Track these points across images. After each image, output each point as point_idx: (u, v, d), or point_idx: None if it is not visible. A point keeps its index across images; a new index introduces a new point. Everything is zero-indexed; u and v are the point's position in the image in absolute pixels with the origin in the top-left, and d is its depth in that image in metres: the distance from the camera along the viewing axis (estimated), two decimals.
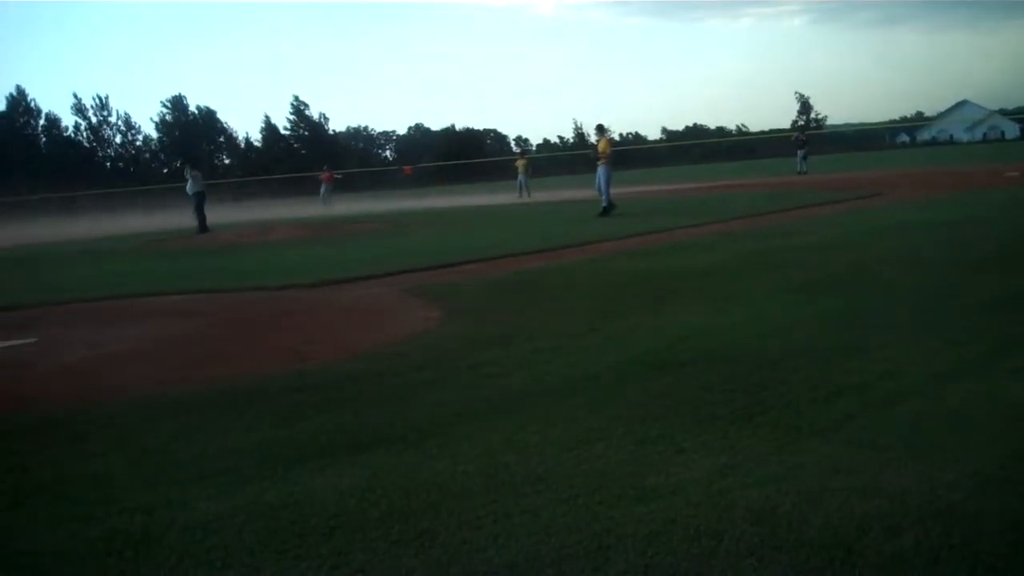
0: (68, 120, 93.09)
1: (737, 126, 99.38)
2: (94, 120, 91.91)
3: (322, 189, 51.33)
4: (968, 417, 5.14)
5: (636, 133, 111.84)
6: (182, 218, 40.09)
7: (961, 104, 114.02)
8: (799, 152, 46.50)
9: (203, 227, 31.51)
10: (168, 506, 4.80)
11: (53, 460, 5.95)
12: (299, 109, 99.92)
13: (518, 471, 4.81)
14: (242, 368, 8.40)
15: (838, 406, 5.51)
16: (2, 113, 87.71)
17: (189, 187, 32.52)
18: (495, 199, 36.42)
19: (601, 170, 25.33)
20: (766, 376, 6.34)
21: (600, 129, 27.22)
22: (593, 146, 26.18)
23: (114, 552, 4.21)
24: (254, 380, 7.84)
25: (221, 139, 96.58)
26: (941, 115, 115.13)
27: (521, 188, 43.31)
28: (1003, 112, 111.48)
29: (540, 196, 41.09)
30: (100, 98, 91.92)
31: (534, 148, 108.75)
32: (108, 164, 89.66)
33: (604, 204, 24.88)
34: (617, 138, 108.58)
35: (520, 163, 45.45)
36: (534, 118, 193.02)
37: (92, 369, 8.99)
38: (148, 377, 8.31)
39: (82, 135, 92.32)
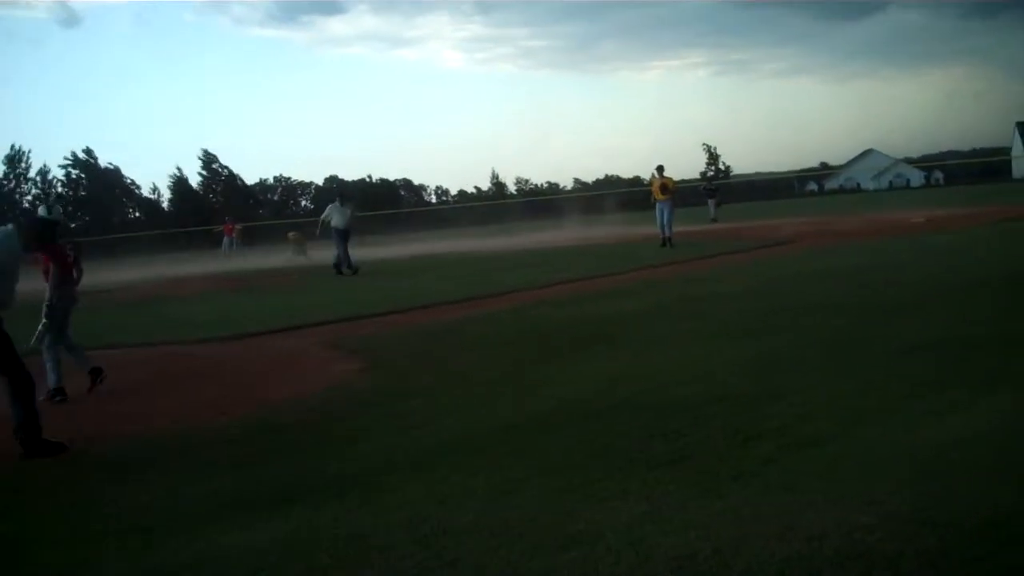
0: None
1: (652, 174, 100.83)
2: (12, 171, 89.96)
3: (224, 242, 50.51)
4: (883, 460, 5.22)
5: (553, 183, 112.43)
6: (107, 272, 39.30)
7: (867, 153, 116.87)
8: (710, 201, 47.74)
9: (348, 263, 26.98)
10: (80, 567, 4.69)
11: None
12: (208, 163, 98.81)
13: (441, 522, 4.78)
14: (158, 424, 8.24)
15: (757, 451, 5.57)
16: None
17: (339, 220, 27.17)
18: (410, 249, 36.35)
19: (666, 206, 27.30)
20: (686, 422, 6.39)
21: (660, 169, 28.56)
22: (658, 185, 28.00)
23: None
24: (171, 436, 7.70)
25: (130, 196, 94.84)
26: (848, 164, 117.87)
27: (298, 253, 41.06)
28: (908, 160, 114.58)
29: (467, 243, 41.01)
30: (18, 150, 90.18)
31: (452, 199, 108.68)
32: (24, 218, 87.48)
33: (668, 235, 27.01)
34: (542, 185, 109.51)
35: (292, 236, 43.23)
36: (450, 169, 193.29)
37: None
38: (60, 435, 8.10)
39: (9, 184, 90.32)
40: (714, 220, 43.14)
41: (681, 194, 33.28)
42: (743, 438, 5.85)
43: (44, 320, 9.73)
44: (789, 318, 10.89)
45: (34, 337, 9.69)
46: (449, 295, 17.34)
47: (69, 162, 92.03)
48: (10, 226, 7.96)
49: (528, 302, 15.45)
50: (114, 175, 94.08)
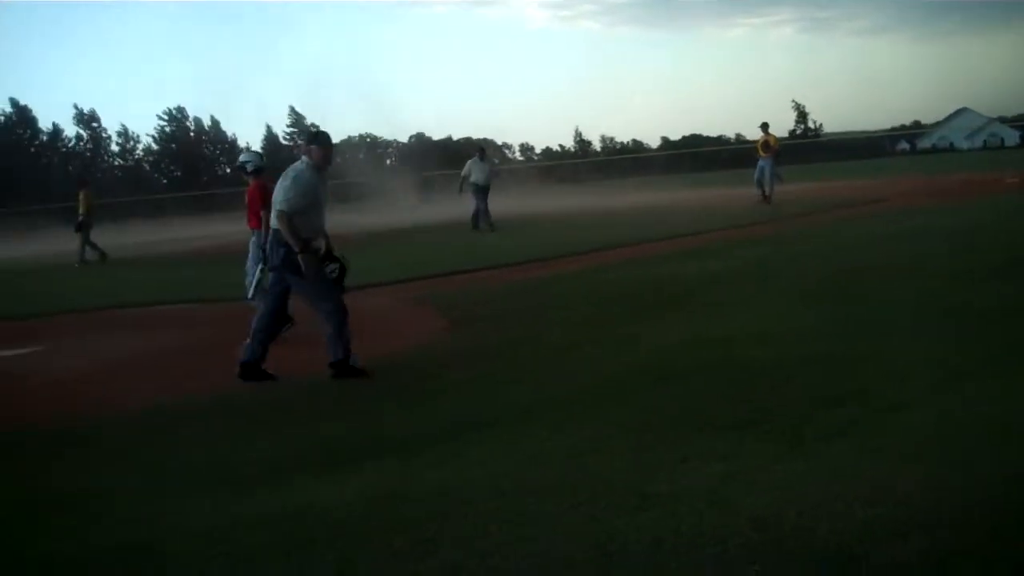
0: (70, 131, 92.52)
1: (736, 134, 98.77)
2: (89, 133, 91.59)
3: None
4: (971, 424, 5.12)
5: (638, 141, 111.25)
6: (194, 227, 40.09)
7: (960, 111, 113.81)
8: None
9: (488, 220, 26.14)
10: (169, 516, 4.81)
11: (57, 471, 5.97)
12: (296, 121, 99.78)
13: (522, 479, 4.81)
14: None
15: (841, 413, 5.50)
16: (3, 125, 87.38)
17: (479, 176, 26.34)
18: (497, 208, 36.36)
19: (767, 163, 27.73)
20: (769, 383, 6.34)
21: (765, 126, 28.77)
22: (759, 141, 28.59)
23: (119, 560, 4.22)
24: (257, 390, 7.85)
25: (219, 150, 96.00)
26: (941, 123, 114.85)
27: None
28: (1002, 119, 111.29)
29: (553, 202, 40.77)
30: (88, 112, 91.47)
31: (537, 157, 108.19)
32: (109, 174, 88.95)
33: (768, 193, 27.54)
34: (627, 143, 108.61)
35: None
36: (535, 127, 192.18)
37: (94, 379, 9.02)
38: (151, 386, 8.33)
39: (82, 146, 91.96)
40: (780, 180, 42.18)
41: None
42: (827, 400, 5.78)
43: (263, 267, 9.98)
44: (874, 279, 10.70)
45: (252, 287, 9.94)
46: (533, 253, 17.35)
47: (164, 119, 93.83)
48: (301, 160, 8.19)
49: (613, 261, 15.40)
50: (213, 129, 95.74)
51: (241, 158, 11.19)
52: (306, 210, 7.92)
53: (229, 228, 34.78)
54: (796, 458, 4.76)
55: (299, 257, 7.80)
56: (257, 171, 10.63)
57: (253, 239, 10.30)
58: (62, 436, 6.87)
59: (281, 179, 8.04)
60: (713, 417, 5.67)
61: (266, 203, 10.10)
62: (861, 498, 4.04)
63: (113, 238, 29.86)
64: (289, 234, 7.78)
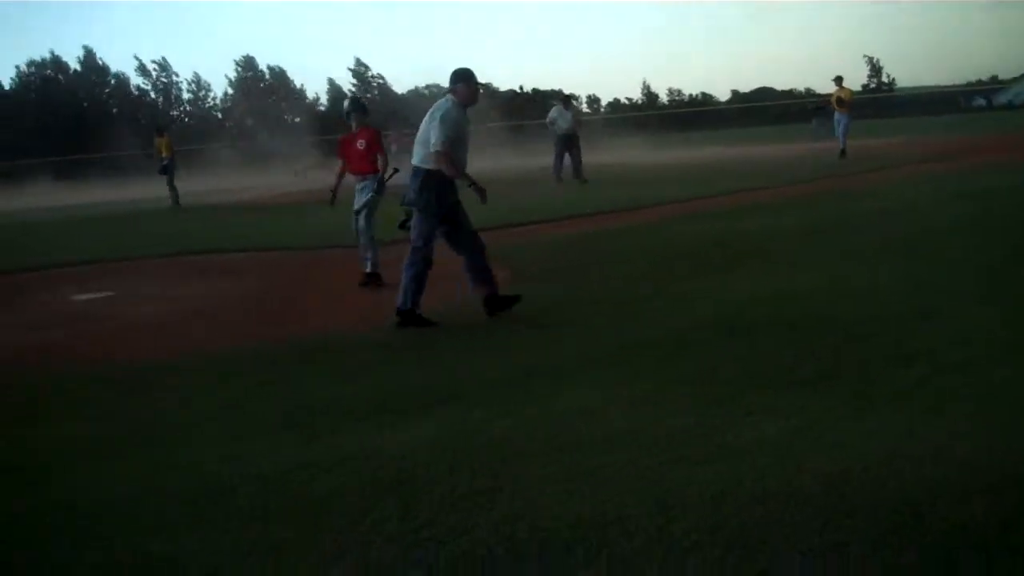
0: (135, 81, 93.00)
1: (807, 88, 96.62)
2: (162, 81, 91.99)
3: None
4: None
5: (707, 94, 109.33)
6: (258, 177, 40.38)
7: None
8: (814, 120, 43.71)
9: (557, 171, 25.83)
10: (242, 458, 4.90)
11: (135, 411, 6.10)
12: (360, 73, 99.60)
13: (583, 431, 4.83)
14: (314, 325, 8.52)
15: (910, 372, 5.43)
16: (77, 73, 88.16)
17: (563, 125, 25.93)
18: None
19: (844, 117, 27.54)
20: (836, 341, 6.27)
21: (839, 80, 28.27)
22: (833, 95, 28.53)
23: (191, 501, 4.31)
24: (326, 337, 7.96)
25: (285, 103, 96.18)
26: (1018, 78, 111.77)
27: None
28: None
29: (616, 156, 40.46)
30: (160, 62, 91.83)
31: (602, 108, 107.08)
32: (182, 122, 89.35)
33: (843, 147, 26.91)
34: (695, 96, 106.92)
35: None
36: (601, 80, 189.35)
37: (169, 323, 9.17)
38: (223, 332, 8.47)
39: (150, 96, 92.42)
40: (819, 139, 40.89)
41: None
42: (895, 359, 5.71)
43: (374, 195, 10.46)
44: (944, 238, 10.48)
45: (362, 204, 10.18)
46: (598, 206, 17.26)
47: (240, 67, 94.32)
48: (447, 99, 8.19)
49: (679, 215, 15.28)
50: (279, 79, 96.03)
51: (361, 102, 11.38)
52: (453, 146, 7.95)
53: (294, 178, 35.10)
54: (862, 416, 4.72)
55: (473, 188, 8.06)
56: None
57: (367, 183, 10.43)
58: (135, 379, 7.00)
59: (427, 119, 8.04)
60: (779, 373, 5.64)
61: (381, 147, 10.49)
62: (928, 458, 4.01)
63: (188, 185, 30.14)
64: (452, 170, 7.91)
